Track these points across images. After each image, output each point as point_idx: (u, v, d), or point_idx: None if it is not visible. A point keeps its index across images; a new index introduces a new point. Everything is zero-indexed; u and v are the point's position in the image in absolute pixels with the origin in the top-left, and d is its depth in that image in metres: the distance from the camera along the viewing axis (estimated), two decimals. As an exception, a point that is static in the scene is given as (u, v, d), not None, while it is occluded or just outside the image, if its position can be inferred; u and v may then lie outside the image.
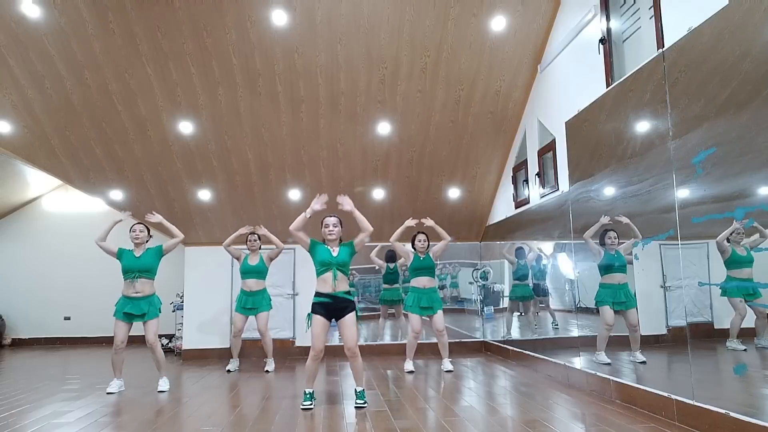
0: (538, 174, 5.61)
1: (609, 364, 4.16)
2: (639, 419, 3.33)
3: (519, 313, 6.35)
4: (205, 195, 6.58)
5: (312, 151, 6.22)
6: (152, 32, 5.00)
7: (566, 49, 5.00)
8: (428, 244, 5.65)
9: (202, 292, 6.95)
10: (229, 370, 5.81)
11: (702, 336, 3.18)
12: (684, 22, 3.21)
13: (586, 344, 4.54)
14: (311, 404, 3.92)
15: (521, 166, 6.11)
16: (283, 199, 6.72)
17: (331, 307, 4.02)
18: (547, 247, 5.59)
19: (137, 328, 4.88)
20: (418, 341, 5.66)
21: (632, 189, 3.78)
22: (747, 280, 2.85)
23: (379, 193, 6.76)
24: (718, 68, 2.96)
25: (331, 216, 4.19)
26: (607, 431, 3.10)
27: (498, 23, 5.17)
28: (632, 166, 3.76)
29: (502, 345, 6.45)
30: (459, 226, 7.13)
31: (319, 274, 4.07)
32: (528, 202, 5.88)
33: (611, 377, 3.97)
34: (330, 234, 4.12)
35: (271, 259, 6.02)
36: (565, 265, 5.14)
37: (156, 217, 4.98)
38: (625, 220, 3.87)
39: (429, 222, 5.63)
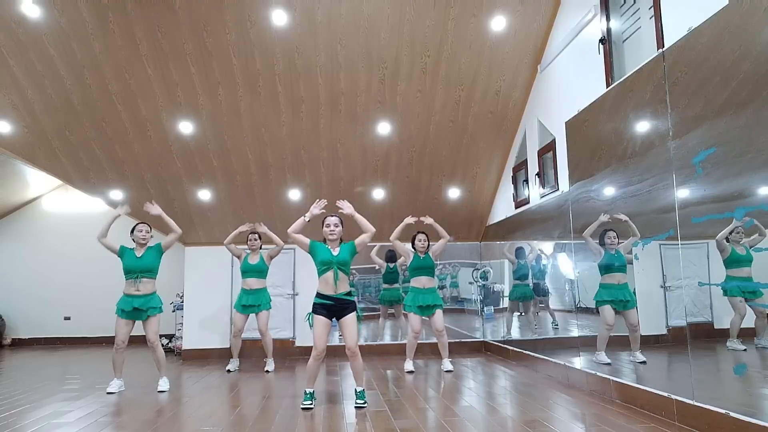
0: (538, 174, 5.61)
1: (609, 364, 4.16)
2: (639, 419, 3.33)
3: (519, 313, 6.35)
4: (205, 195, 6.58)
5: (312, 151, 6.22)
6: (152, 32, 5.00)
7: (566, 49, 5.00)
8: (428, 244, 5.65)
9: (202, 292, 6.95)
10: (229, 370, 5.81)
11: (702, 336, 3.18)
12: (684, 22, 3.20)
13: (586, 344, 4.54)
14: (311, 404, 3.92)
15: (521, 166, 6.11)
16: (283, 199, 6.73)
17: (332, 308, 4.04)
18: (547, 247, 5.60)
19: (138, 328, 4.88)
20: (418, 341, 5.66)
21: (632, 189, 3.78)
22: (746, 279, 2.85)
23: (379, 193, 6.77)
24: (718, 68, 2.96)
25: (332, 216, 4.20)
26: (607, 431, 3.10)
27: (498, 23, 5.18)
28: (632, 166, 3.76)
29: (502, 345, 6.45)
30: (459, 226, 7.14)
31: (320, 273, 4.07)
32: (528, 202, 5.88)
33: (611, 377, 3.97)
34: (331, 234, 4.13)
35: (272, 258, 6.03)
36: (565, 265, 5.14)
37: (155, 209, 4.95)
38: (623, 218, 3.87)
39: (428, 220, 5.63)
